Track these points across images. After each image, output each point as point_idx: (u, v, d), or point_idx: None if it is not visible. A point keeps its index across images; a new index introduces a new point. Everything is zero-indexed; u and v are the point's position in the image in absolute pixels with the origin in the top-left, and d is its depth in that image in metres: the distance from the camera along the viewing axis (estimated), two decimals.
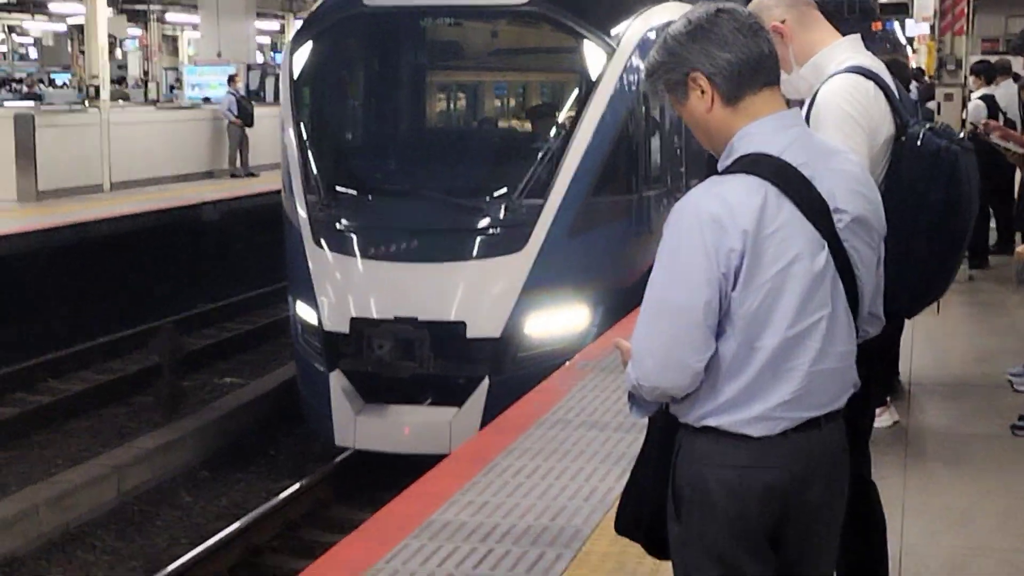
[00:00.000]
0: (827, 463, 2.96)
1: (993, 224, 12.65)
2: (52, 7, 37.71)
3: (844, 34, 4.02)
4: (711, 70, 2.89)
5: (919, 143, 3.60)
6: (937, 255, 3.55)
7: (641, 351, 2.88)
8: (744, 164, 2.85)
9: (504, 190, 10.01)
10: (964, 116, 11.79)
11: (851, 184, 2.94)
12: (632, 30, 10.61)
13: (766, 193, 2.80)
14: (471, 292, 9.65)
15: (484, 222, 9.91)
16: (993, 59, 14.23)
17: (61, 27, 42.57)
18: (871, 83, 3.74)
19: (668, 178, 11.51)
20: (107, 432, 11.96)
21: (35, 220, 15.95)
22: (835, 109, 3.66)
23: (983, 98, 12.17)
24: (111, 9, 23.59)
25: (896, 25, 40.71)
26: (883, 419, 6.76)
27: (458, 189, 10.18)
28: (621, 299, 9.93)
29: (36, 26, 44.77)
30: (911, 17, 20.75)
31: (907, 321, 7.97)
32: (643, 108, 10.72)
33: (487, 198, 10.02)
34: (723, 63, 2.88)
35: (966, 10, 12.08)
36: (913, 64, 24.78)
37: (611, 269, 10.34)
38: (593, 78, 10.25)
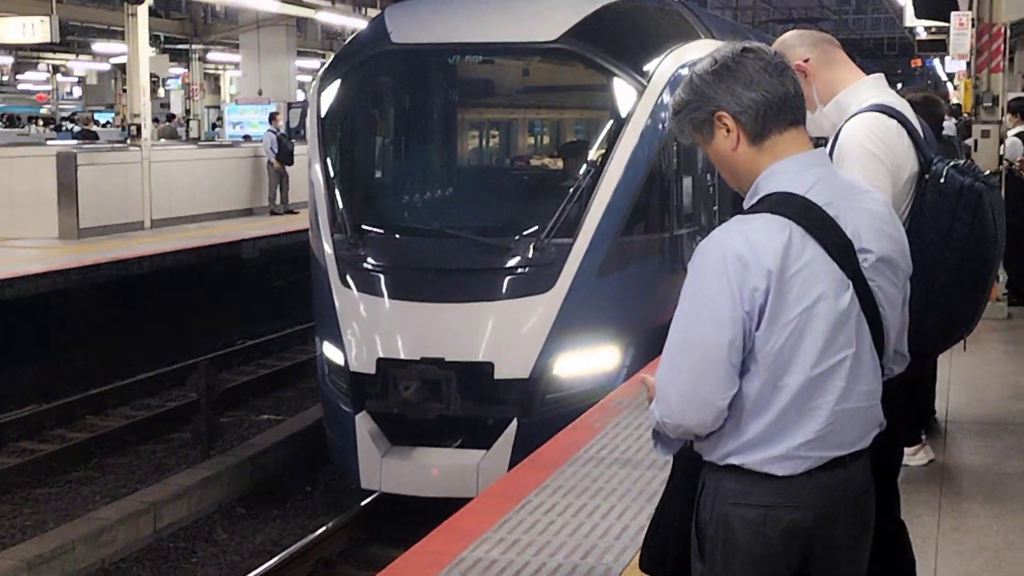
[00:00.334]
0: (852, 502, 2.95)
1: None
2: (96, 47, 38.13)
3: (886, 72, 4.04)
4: (736, 109, 2.91)
5: (943, 180, 3.60)
6: (962, 293, 3.54)
7: (665, 388, 2.89)
8: (769, 203, 2.87)
9: (533, 229, 9.86)
10: (1002, 152, 11.74)
11: (876, 223, 2.94)
12: (663, 67, 10.48)
13: (791, 232, 2.81)
14: (499, 332, 9.51)
15: (512, 262, 9.76)
16: None
17: (105, 66, 43.05)
18: (894, 121, 3.75)
19: (700, 216, 11.35)
20: (144, 468, 12.03)
21: (76, 257, 16.10)
22: (858, 147, 3.67)
23: (1020, 135, 12.12)
24: (153, 49, 23.84)
25: (936, 61, 40.60)
26: (917, 458, 6.71)
27: (486, 228, 10.08)
28: (652, 340, 9.56)
29: (80, 65, 45.31)
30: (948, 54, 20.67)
31: (944, 359, 7.99)
32: (674, 145, 10.60)
33: (515, 237, 9.87)
34: (748, 102, 2.90)
35: (1003, 47, 12.02)
36: (954, 100, 24.70)
37: (642, 309, 10.18)
38: (623, 115, 10.13)
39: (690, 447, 2.99)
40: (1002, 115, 12.09)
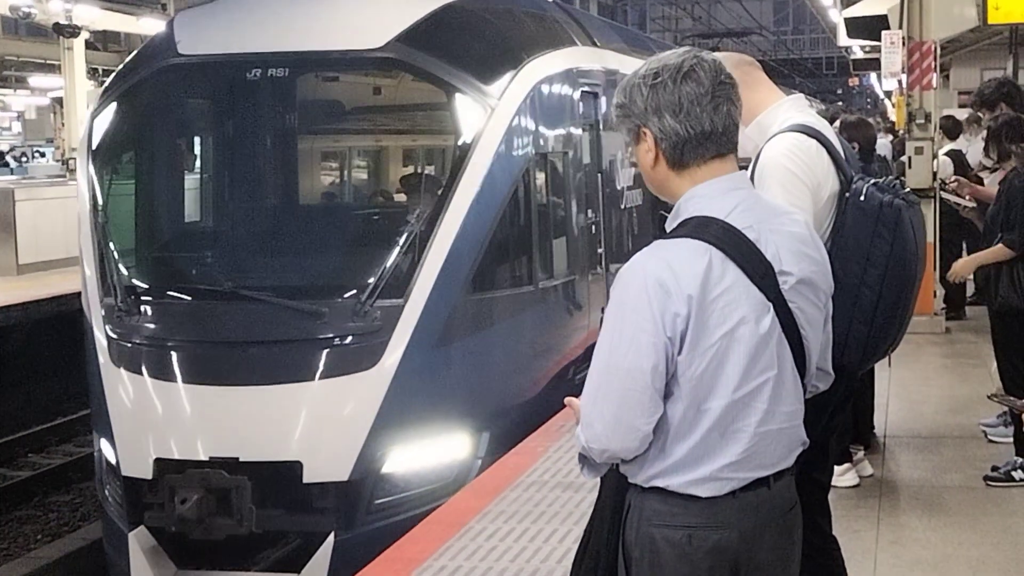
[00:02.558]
0: (777, 521, 2.97)
1: (971, 276, 12.70)
2: (33, 81, 37.84)
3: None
4: (659, 134, 2.91)
5: (863, 198, 3.65)
6: (885, 309, 3.58)
7: (590, 415, 2.90)
8: (689, 228, 2.87)
9: (352, 288, 7.76)
10: (935, 170, 11.88)
11: (796, 245, 2.96)
12: (519, 80, 8.65)
13: (711, 257, 2.82)
14: (309, 423, 7.43)
15: (326, 331, 7.64)
16: (964, 113, 14.38)
17: (44, 101, 42.74)
18: (813, 141, 3.79)
19: (578, 263, 9.52)
20: (87, 506, 11.90)
21: (14, 294, 15.93)
22: (778, 168, 3.71)
23: (950, 153, 12.28)
24: (91, 82, 23.70)
25: (874, 79, 41.10)
26: (846, 479, 6.75)
27: (292, 288, 7.96)
28: (517, 418, 8.25)
29: (19, 100, 44.93)
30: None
31: (882, 374, 8.07)
32: (539, 177, 8.80)
33: (330, 299, 7.75)
34: (670, 130, 2.89)
35: (934, 64, 12.18)
36: (893, 117, 25.04)
37: (500, 384, 8.40)
38: (468, 140, 8.15)
39: (617, 469, 3.00)
40: (935, 132, 12.24)
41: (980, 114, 9.56)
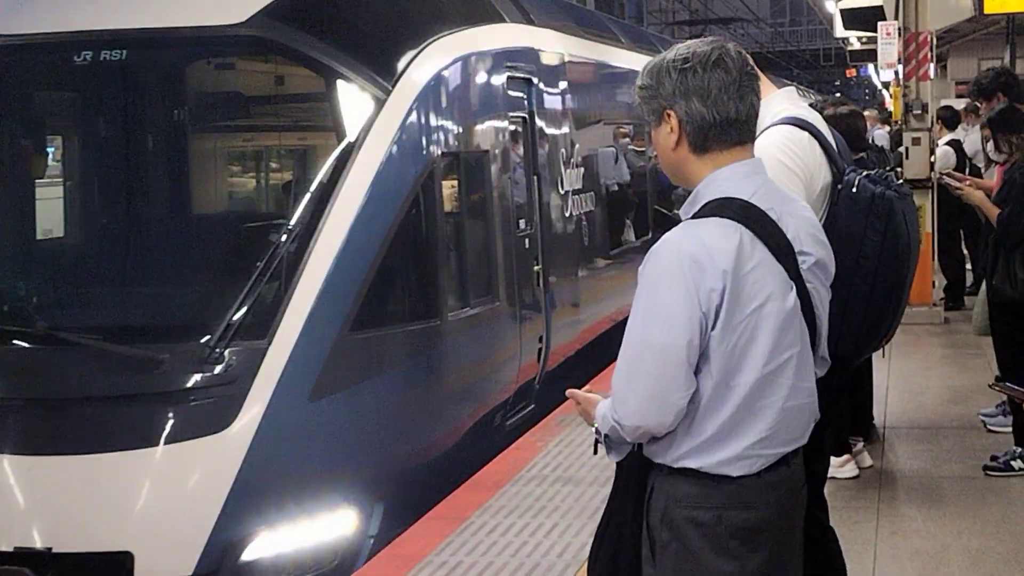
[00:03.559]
0: (794, 500, 3.05)
1: (969, 266, 12.73)
2: None
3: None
4: (684, 117, 2.96)
5: (855, 190, 3.66)
6: (878, 300, 3.59)
7: (623, 392, 2.92)
8: (715, 208, 2.92)
9: (199, 329, 6.12)
10: (932, 161, 11.89)
11: (810, 229, 3.06)
12: (419, 65, 7.14)
13: (741, 235, 2.88)
14: (143, 502, 5.78)
15: (165, 384, 6.01)
16: (963, 103, 14.38)
17: None
18: (806, 133, 3.80)
19: (504, 285, 7.96)
20: None
21: None
22: (771, 160, 3.70)
23: (951, 143, 12.29)
24: None
25: (871, 70, 41.11)
26: (845, 470, 6.77)
27: (123, 329, 6.31)
28: (423, 483, 6.74)
29: None
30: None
31: (881, 364, 8.08)
32: (447, 182, 7.31)
33: (171, 343, 6.09)
34: (697, 115, 2.95)
35: (930, 55, 12.19)
36: (891, 108, 25.07)
37: (397, 441, 6.73)
38: (352, 140, 6.63)
39: (638, 451, 3.02)
40: (931, 123, 12.25)
41: (978, 104, 9.56)
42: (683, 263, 2.83)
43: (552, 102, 9.69)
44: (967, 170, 10.54)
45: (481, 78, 8.10)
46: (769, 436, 2.92)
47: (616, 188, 11.81)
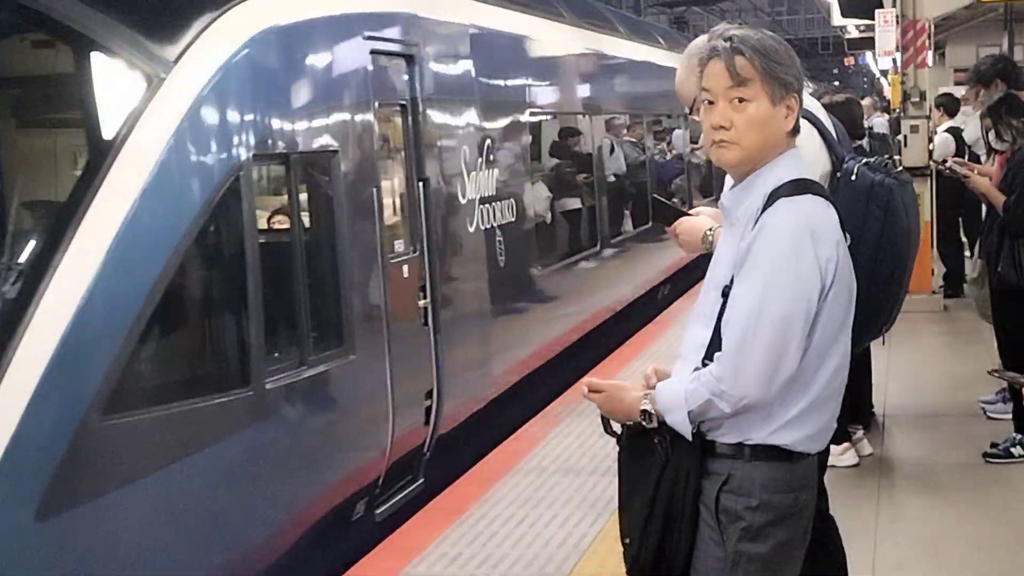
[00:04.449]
0: (819, 480, 3.18)
1: (968, 253, 12.72)
2: None
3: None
4: (800, 105, 3.03)
5: (854, 177, 3.65)
6: (877, 288, 3.57)
7: (737, 362, 2.90)
8: (799, 186, 2.95)
9: None
10: (931, 148, 11.87)
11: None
12: (216, 34, 5.40)
13: (835, 210, 2.98)
14: None
15: None
16: (961, 91, 14.36)
17: None
18: (805, 121, 3.78)
19: (355, 334, 6.05)
20: None
21: None
22: None
23: (949, 131, 12.26)
24: None
25: (869, 58, 41.06)
26: (845, 458, 6.77)
27: None
28: None
29: None
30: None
31: (881, 353, 8.06)
32: (265, 194, 5.91)
33: None
34: (801, 103, 3.06)
35: (928, 43, 12.16)
36: (889, 96, 25.05)
37: (183, 566, 4.89)
38: (110, 137, 4.87)
39: (700, 435, 2.98)
40: (929, 111, 12.23)
41: (976, 91, 9.54)
42: (804, 235, 2.87)
43: (450, 86, 7.84)
44: (966, 158, 10.51)
45: (322, 54, 6.26)
46: (837, 411, 3.02)
47: (557, 193, 10.08)
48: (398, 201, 6.95)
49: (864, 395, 7.48)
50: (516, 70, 9.48)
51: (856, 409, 7.08)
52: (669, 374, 3.11)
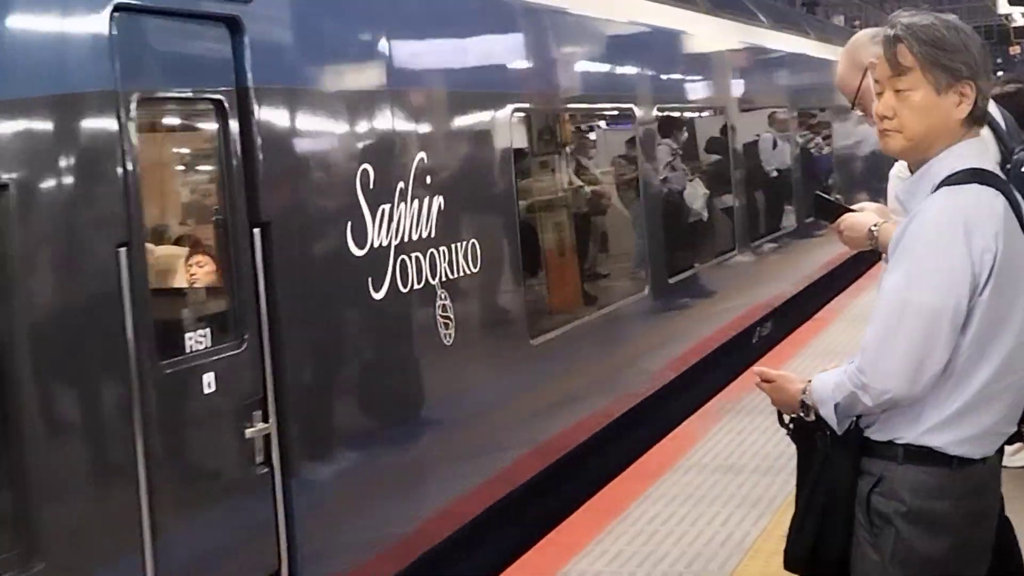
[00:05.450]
0: (999, 487, 3.01)
1: None
2: None
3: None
4: (980, 92, 2.87)
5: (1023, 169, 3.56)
6: None
7: (878, 352, 2.82)
8: (968, 176, 2.84)
9: None
10: None
11: None
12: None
13: (1003, 201, 2.82)
14: None
15: None
16: None
17: None
18: None
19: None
20: None
21: None
22: None
23: None
24: None
25: None
26: (1017, 458, 6.56)
27: None
28: None
29: None
30: None
31: None
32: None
33: None
34: (986, 93, 2.90)
35: None
36: None
37: None
38: None
39: (858, 430, 2.91)
40: None
41: None
42: (956, 225, 2.76)
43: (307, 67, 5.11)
44: None
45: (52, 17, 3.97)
46: (1008, 415, 2.88)
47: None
48: (207, 261, 4.57)
49: None
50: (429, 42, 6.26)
51: None
52: None
